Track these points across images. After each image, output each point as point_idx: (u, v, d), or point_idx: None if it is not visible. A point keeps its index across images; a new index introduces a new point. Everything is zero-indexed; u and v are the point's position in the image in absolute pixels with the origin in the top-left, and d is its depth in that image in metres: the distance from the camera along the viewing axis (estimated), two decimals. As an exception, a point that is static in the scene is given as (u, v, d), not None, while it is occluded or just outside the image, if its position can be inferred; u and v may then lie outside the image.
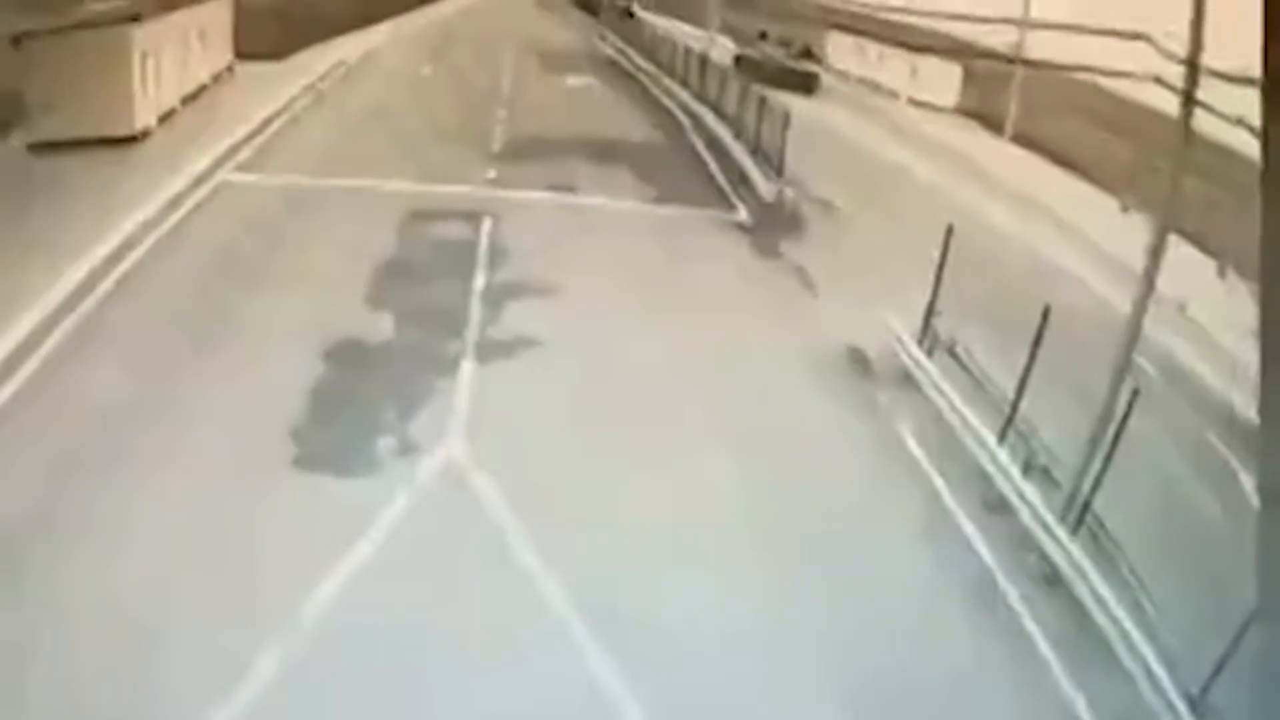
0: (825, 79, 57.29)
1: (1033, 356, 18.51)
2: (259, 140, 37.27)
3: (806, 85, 55.44)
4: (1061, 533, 16.60)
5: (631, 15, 73.82)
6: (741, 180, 37.53)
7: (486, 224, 29.99)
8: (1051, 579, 16.60)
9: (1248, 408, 22.59)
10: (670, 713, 13.47)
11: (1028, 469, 18.56)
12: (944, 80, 48.81)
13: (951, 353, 22.25)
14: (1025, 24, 34.54)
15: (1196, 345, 25.38)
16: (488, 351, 22.51)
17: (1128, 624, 14.76)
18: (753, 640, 14.91)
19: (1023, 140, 43.70)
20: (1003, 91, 44.55)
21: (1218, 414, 22.59)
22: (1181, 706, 13.56)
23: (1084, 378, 18.17)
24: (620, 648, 14.27)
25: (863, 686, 14.22)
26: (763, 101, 38.70)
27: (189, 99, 39.65)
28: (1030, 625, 15.93)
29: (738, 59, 57.91)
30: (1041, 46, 32.79)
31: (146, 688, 12.98)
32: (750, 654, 14.64)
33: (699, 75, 49.00)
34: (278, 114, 40.94)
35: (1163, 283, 17.01)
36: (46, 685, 12.90)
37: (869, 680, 14.33)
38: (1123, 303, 17.98)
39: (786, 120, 36.01)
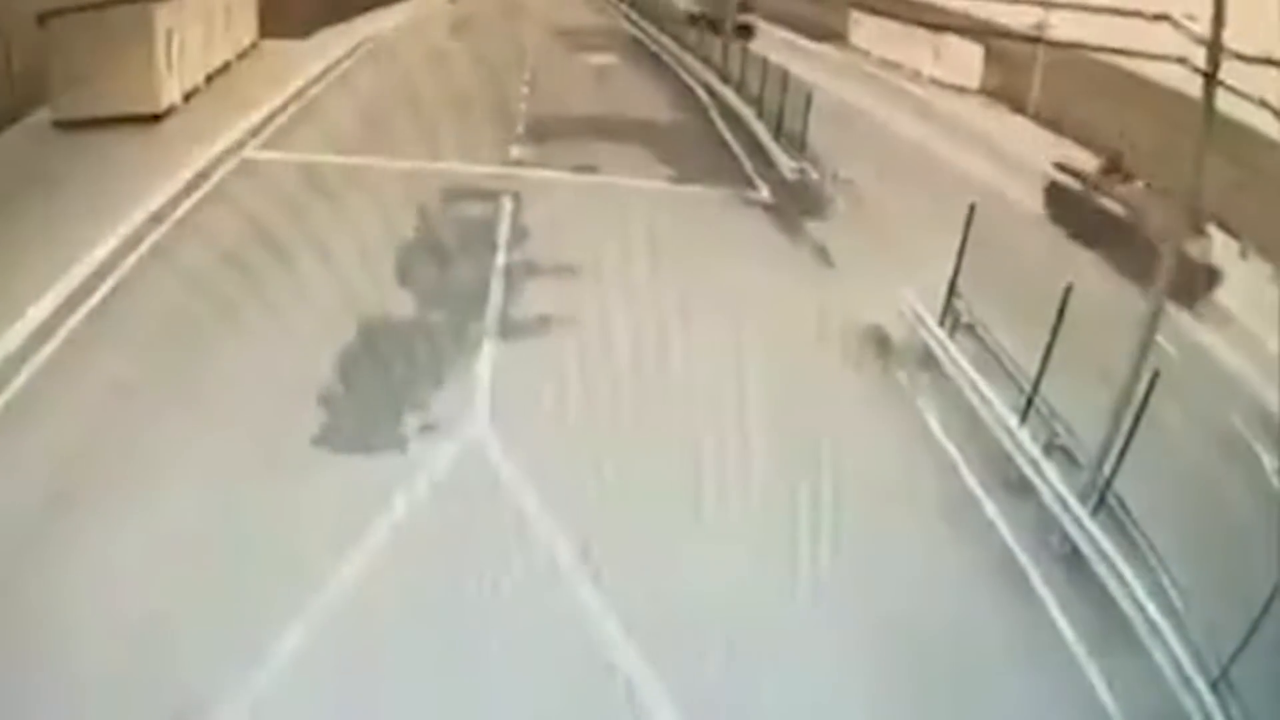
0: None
1: (1054, 336, 18.53)
2: (282, 118, 37.31)
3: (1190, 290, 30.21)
4: (1082, 512, 16.64)
5: (748, 32, 56.63)
6: (763, 159, 37.53)
7: (508, 203, 30.06)
8: (1072, 558, 16.65)
9: (1269, 389, 22.65)
10: (685, 689, 13.61)
11: (1049, 449, 18.59)
12: (966, 61, 48.57)
13: (973, 331, 22.26)
14: (1048, 4, 34.34)
15: (1218, 327, 25.37)
16: (509, 330, 22.63)
17: (1148, 603, 14.80)
18: (778, 620, 15.04)
19: (1046, 121, 43.52)
20: (1026, 72, 44.36)
21: (1239, 395, 22.61)
22: (1202, 685, 13.62)
23: (1104, 358, 18.21)
24: (639, 626, 14.44)
25: (884, 662, 14.40)
26: (785, 79, 38.65)
27: (213, 77, 39.66)
28: (1051, 604, 16.04)
29: (1051, 192, 34.02)
30: (1065, 27, 32.61)
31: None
32: (776, 634, 14.74)
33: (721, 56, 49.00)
34: (302, 91, 40.96)
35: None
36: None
37: (891, 656, 14.50)
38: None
39: (809, 99, 35.98)
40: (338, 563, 15.04)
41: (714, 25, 57.09)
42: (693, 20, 60.46)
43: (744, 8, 60.19)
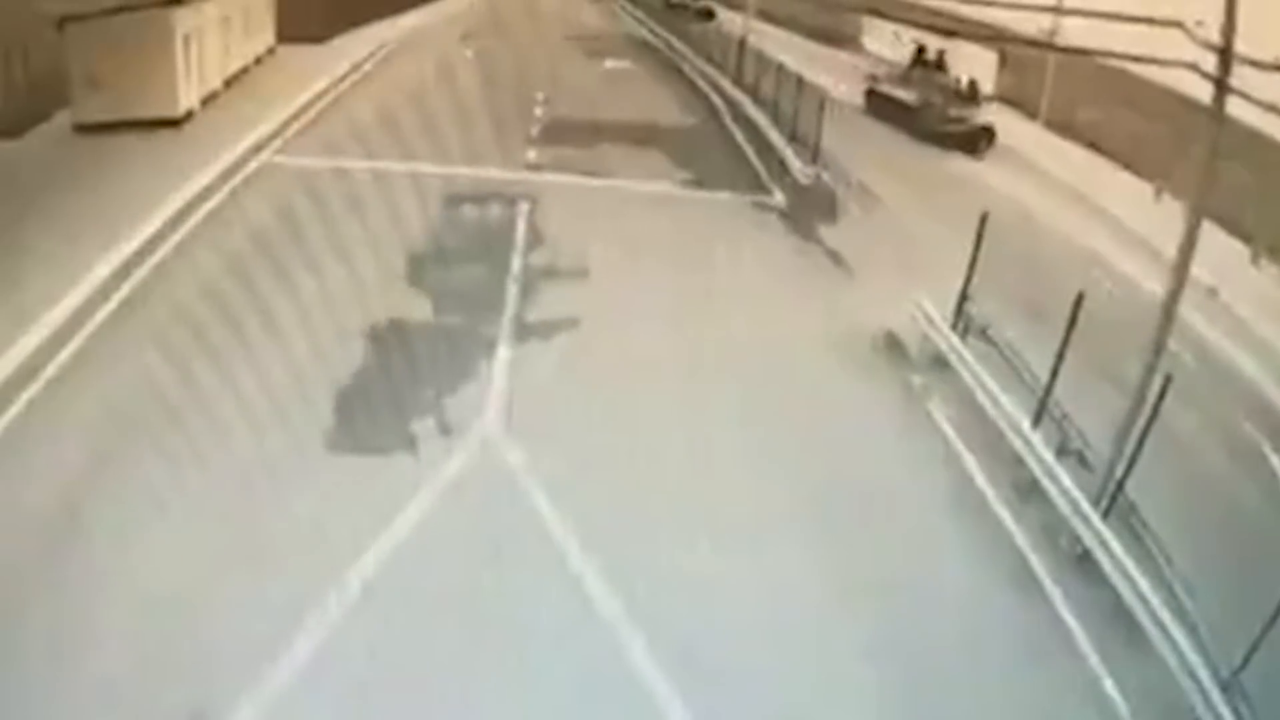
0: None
1: (1065, 342, 18.59)
2: (300, 123, 37.64)
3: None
4: (1094, 515, 16.70)
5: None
6: (777, 164, 37.61)
7: (524, 207, 30.21)
8: (1084, 560, 16.72)
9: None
10: (696, 689, 13.70)
11: (1062, 452, 18.66)
12: (979, 67, 48.50)
13: (985, 336, 22.31)
14: (1059, 10, 34.39)
15: (1228, 330, 25.41)
16: (524, 333, 22.77)
17: (1160, 607, 14.84)
18: (790, 621, 15.14)
19: (1057, 126, 43.51)
20: (1039, 77, 44.33)
21: (1250, 398, 22.67)
22: (1213, 689, 13.68)
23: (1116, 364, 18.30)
24: (651, 627, 14.54)
25: (895, 662, 14.46)
26: (798, 84, 38.71)
27: (231, 81, 40.02)
28: (1061, 605, 16.09)
29: None
30: (1077, 33, 32.66)
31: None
32: (789, 636, 14.85)
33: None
34: (319, 97, 41.27)
35: (1195, 268, 17.06)
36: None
37: (903, 657, 14.57)
38: (1154, 287, 18.11)
39: (822, 104, 36.04)
40: (353, 563, 15.17)
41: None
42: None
43: None
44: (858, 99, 46.27)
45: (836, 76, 46.29)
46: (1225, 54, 15.56)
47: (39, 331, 20.26)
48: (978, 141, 41.36)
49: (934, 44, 46.22)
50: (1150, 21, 16.85)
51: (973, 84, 44.10)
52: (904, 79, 46.10)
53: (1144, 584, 15.25)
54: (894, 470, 19.11)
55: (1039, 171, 38.75)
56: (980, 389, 20.80)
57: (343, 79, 44.99)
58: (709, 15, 60.22)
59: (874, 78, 47.18)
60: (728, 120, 44.36)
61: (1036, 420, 19.27)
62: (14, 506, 15.66)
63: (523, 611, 14.72)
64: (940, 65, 46.12)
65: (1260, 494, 19.02)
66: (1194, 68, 16.09)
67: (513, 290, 24.74)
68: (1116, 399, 17.35)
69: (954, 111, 42.60)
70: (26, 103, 31.38)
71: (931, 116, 42.62)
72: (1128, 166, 37.46)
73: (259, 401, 18.86)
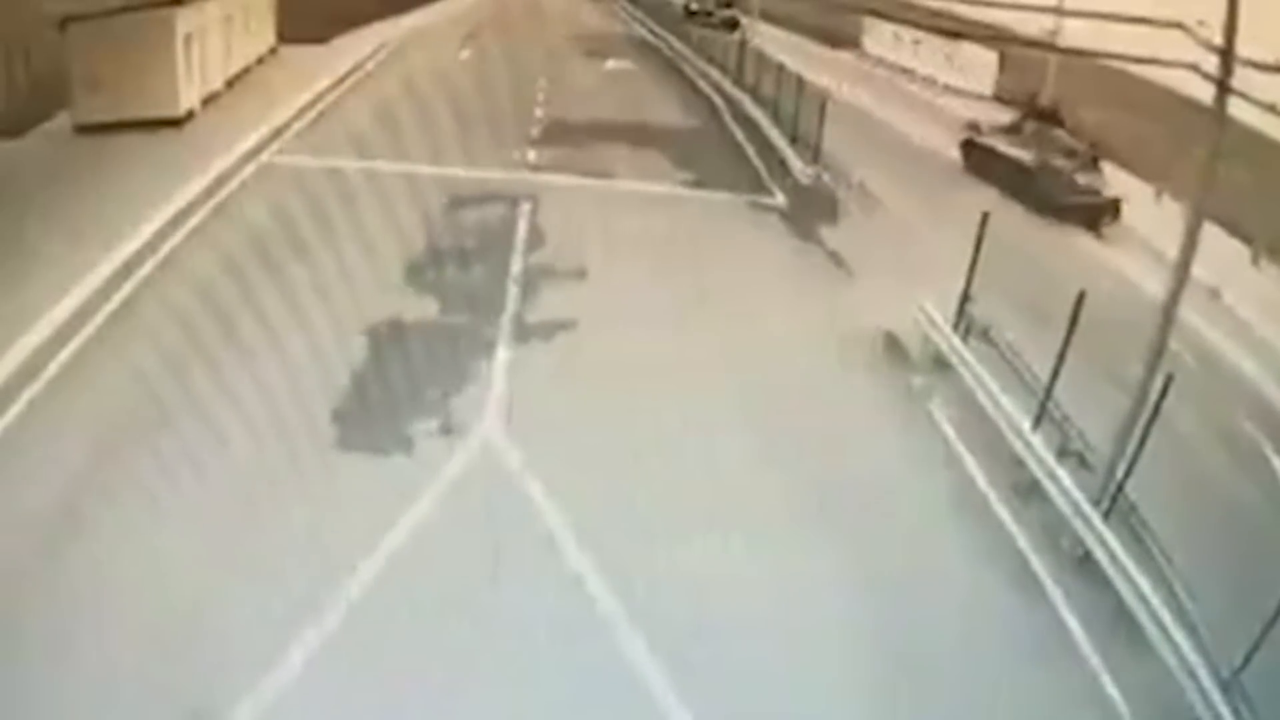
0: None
1: (1067, 342, 18.59)
2: (301, 123, 37.63)
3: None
4: (1095, 516, 16.70)
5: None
6: (778, 164, 37.61)
7: (524, 208, 30.18)
8: (1085, 561, 16.72)
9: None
10: (695, 688, 13.73)
11: (1062, 453, 18.67)
12: (980, 67, 48.51)
13: (986, 337, 22.30)
14: (1061, 11, 34.32)
15: (1230, 331, 25.42)
16: (524, 334, 22.78)
17: (1160, 607, 14.85)
18: (788, 621, 15.13)
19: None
20: (1041, 78, 44.31)
21: (1250, 398, 22.66)
22: (1214, 689, 13.68)
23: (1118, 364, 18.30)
24: (650, 626, 14.58)
25: (895, 664, 14.47)
26: (799, 84, 38.69)
27: (232, 81, 40.03)
28: (1062, 606, 16.12)
29: None
30: (1078, 34, 32.62)
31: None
32: (786, 635, 14.85)
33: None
34: (320, 97, 41.24)
35: (1197, 269, 17.06)
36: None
37: (902, 658, 14.58)
38: (1155, 288, 18.13)
39: (823, 105, 36.02)
40: (353, 565, 15.18)
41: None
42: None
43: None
44: (943, 145, 40.66)
45: (911, 114, 45.00)
46: (1227, 55, 15.56)
47: (40, 331, 20.29)
48: (1103, 216, 33.86)
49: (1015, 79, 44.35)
50: (1151, 23, 16.85)
51: (1093, 144, 37.20)
52: (1013, 132, 39.54)
53: (1144, 584, 15.27)
54: (895, 471, 19.10)
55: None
56: (981, 390, 20.80)
57: (344, 79, 44.97)
58: (733, 25, 57.67)
59: (974, 127, 40.26)
60: (728, 120, 44.33)
61: (1037, 421, 19.28)
62: (14, 506, 15.66)
63: (522, 613, 14.70)
64: (1057, 118, 39.77)
65: (1261, 494, 19.03)
66: (1195, 68, 16.10)
67: (513, 291, 24.73)
68: (1118, 399, 17.34)
69: (1084, 180, 35.17)
70: (28, 103, 31.39)
71: (1057, 183, 34.86)
72: (1127, 167, 37.39)
73: (259, 402, 18.85)
